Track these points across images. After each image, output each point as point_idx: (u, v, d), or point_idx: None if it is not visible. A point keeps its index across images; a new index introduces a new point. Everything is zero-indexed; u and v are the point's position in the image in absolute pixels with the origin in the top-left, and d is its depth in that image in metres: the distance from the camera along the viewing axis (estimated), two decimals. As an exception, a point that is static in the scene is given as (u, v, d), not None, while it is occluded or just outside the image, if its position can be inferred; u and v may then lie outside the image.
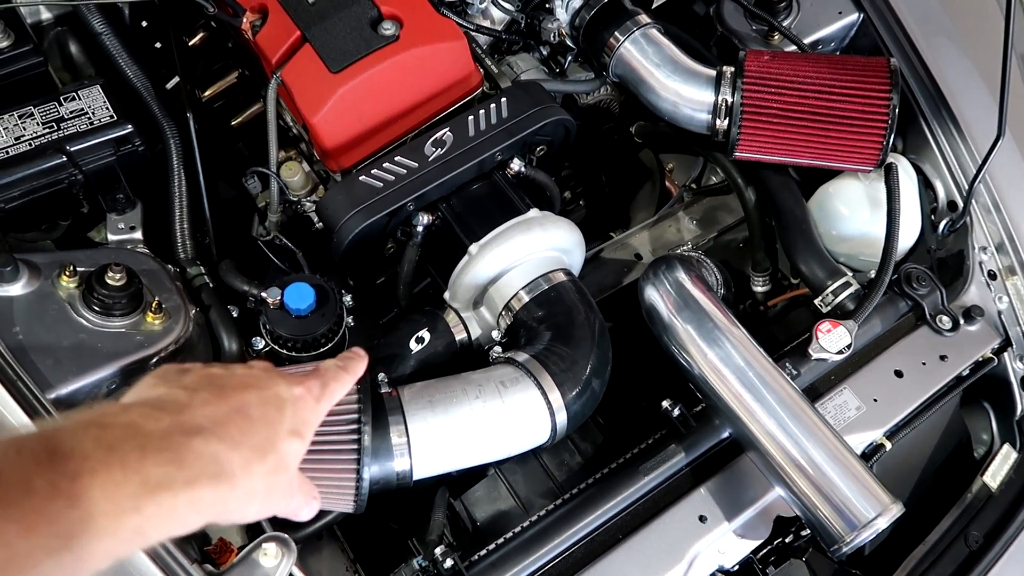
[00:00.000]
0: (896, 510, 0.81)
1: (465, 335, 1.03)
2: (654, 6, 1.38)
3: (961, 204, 1.14)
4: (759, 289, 1.26)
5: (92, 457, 0.48)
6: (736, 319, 0.97)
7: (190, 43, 1.18)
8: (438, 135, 1.02)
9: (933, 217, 1.19)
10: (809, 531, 0.91)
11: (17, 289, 0.85)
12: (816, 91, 1.02)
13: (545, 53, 1.28)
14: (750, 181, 1.22)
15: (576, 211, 1.45)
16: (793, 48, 1.22)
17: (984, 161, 1.08)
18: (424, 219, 1.03)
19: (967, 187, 1.11)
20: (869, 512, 0.80)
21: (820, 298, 1.07)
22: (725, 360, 0.91)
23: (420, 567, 0.87)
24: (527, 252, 1.00)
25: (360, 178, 1.00)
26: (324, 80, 0.99)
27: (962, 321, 1.07)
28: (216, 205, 1.10)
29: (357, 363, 0.76)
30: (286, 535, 0.81)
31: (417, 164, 1.01)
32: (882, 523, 0.80)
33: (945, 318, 1.07)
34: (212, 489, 0.53)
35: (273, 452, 0.59)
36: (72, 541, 0.46)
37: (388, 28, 1.01)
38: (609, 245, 1.30)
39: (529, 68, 1.20)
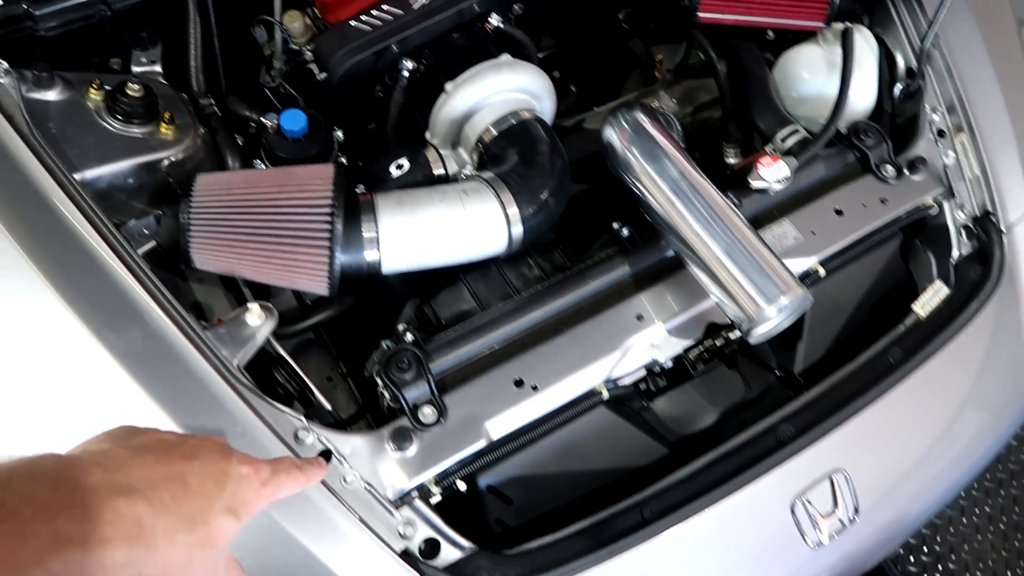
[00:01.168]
0: (803, 294, 0.91)
1: (443, 171, 1.15)
2: None
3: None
4: (731, 161, 1.35)
5: (5, 506, 0.49)
6: (686, 152, 1.06)
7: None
8: (423, -13, 1.15)
9: (897, 87, 1.26)
10: (737, 332, 1.01)
11: (52, 95, 1.00)
12: (769, -52, 1.11)
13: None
14: (722, 55, 1.31)
15: (568, 96, 1.55)
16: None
17: (933, 20, 1.15)
18: (408, 64, 1.15)
19: (918, 52, 1.19)
20: (775, 292, 0.90)
21: (771, 145, 1.16)
22: (668, 180, 1.01)
23: (387, 347, 0.99)
24: (498, 90, 1.11)
25: (351, 23, 1.13)
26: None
27: (906, 171, 1.15)
28: (230, 62, 1.23)
29: (314, 470, 0.74)
30: (271, 306, 0.95)
31: (403, 11, 1.13)
32: (785, 301, 0.89)
33: (889, 167, 1.15)
34: (126, 551, 0.53)
35: (203, 525, 0.58)
36: None
37: None
38: (591, 116, 1.41)
39: (516, -58, 1.31)
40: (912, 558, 1.55)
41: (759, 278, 0.91)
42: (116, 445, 0.59)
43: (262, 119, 1.09)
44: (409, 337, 0.97)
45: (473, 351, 0.99)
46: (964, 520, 1.65)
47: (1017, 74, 1.22)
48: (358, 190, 1.06)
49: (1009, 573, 1.60)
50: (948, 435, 1.07)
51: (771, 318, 0.91)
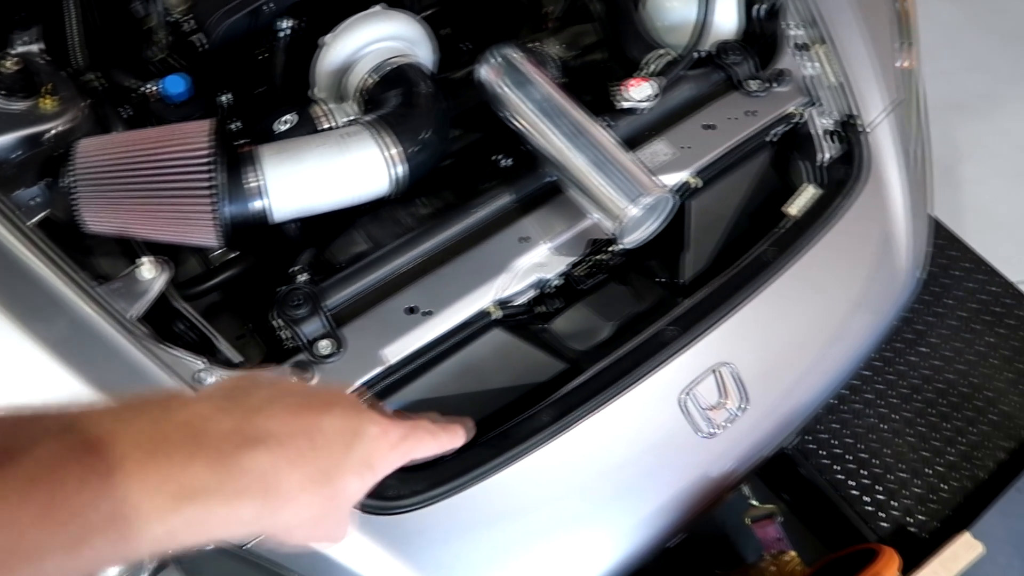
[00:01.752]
0: (663, 193, 0.96)
1: (331, 124, 1.19)
2: None
3: (776, -11, 1.28)
4: (618, 99, 1.41)
5: (131, 456, 0.45)
6: (555, 82, 1.11)
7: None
8: (293, -53, 1.18)
9: (761, 8, 1.32)
10: (615, 242, 1.06)
11: (-73, 77, 1.02)
12: None
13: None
14: (597, -4, 1.37)
15: (465, 53, 1.59)
16: None
17: (780, -60, 1.22)
18: (286, 23, 1.19)
19: (774, -31, 1.26)
20: (636, 192, 0.95)
21: (641, 70, 1.22)
22: (537, 106, 1.06)
23: (283, 292, 1.02)
24: (373, 39, 1.15)
25: (225, -13, 1.16)
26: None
27: (771, 84, 1.22)
28: (115, 39, 1.25)
29: (449, 438, 0.69)
30: (167, 259, 0.98)
31: (274, -29, 1.17)
32: (647, 200, 0.95)
33: (755, 82, 1.21)
34: (256, 506, 0.50)
35: (331, 484, 0.55)
36: (86, 542, 0.43)
37: None
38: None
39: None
40: (810, 438, 1.65)
41: (621, 183, 0.96)
42: (245, 393, 0.56)
43: (144, 87, 1.12)
44: (301, 277, 1.01)
45: (366, 285, 1.03)
46: (884, 426, 1.73)
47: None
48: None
49: (898, 440, 1.69)
50: (827, 321, 1.14)
51: (637, 219, 0.96)
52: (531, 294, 1.07)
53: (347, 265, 1.08)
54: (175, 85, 1.11)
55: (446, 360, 1.03)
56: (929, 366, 1.82)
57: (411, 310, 1.01)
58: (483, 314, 1.03)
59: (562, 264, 1.07)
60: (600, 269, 1.10)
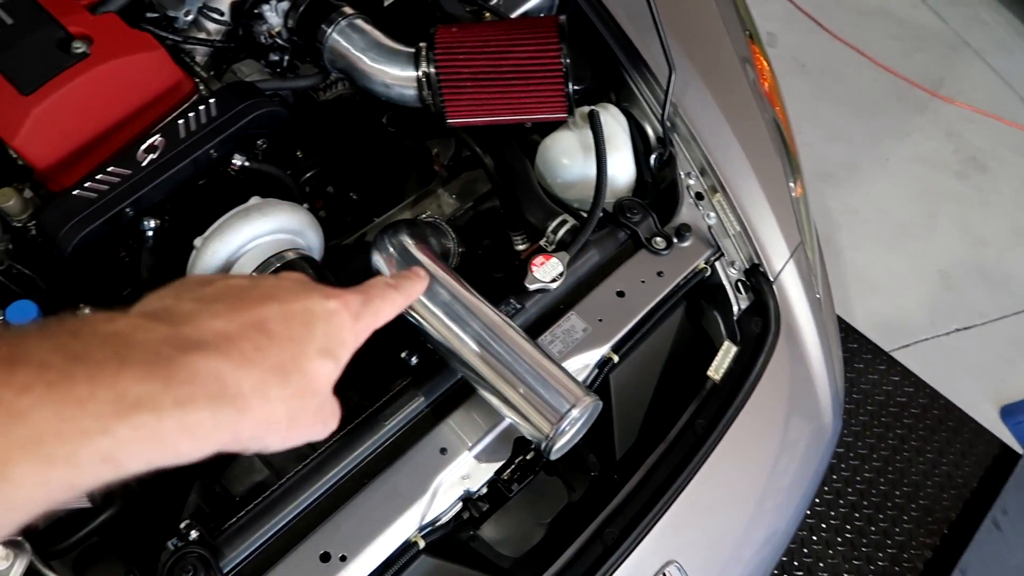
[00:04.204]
0: (590, 401, 0.89)
1: (212, 329, 1.07)
2: (386, 3, 1.46)
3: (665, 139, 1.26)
4: (520, 248, 1.34)
5: (52, 367, 0.40)
6: (455, 273, 1.03)
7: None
8: (150, 141, 1.06)
9: (652, 158, 1.31)
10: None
11: None
12: (498, 52, 1.12)
13: (277, 58, 1.33)
14: (488, 149, 1.31)
15: (350, 205, 1.50)
16: (498, 22, 1.32)
17: (665, 95, 1.20)
18: (152, 223, 1.06)
19: (661, 122, 1.24)
20: (565, 406, 0.88)
21: (544, 239, 1.17)
22: (440, 305, 0.98)
23: (174, 547, 0.88)
24: (252, 237, 1.04)
25: (74, 192, 1.02)
26: (18, 103, 1.01)
27: (675, 240, 1.19)
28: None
29: (412, 283, 0.66)
30: (20, 538, 0.83)
31: (131, 171, 1.04)
32: (576, 413, 0.87)
33: (659, 239, 1.18)
34: (212, 413, 0.45)
35: (297, 374, 0.51)
36: (10, 466, 0.38)
37: (79, 47, 1.04)
38: (371, 228, 1.36)
39: (252, 72, 1.26)
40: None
41: (547, 394, 0.89)
42: (176, 299, 0.51)
43: (-14, 317, 0.97)
44: (193, 534, 0.88)
45: (270, 530, 0.90)
46: (815, 538, 1.72)
47: (752, 131, 1.30)
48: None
49: (830, 551, 1.68)
50: (766, 491, 1.09)
51: (565, 432, 0.89)
52: (457, 508, 0.98)
53: (246, 498, 0.96)
54: (22, 313, 0.96)
55: (370, 605, 0.91)
56: (848, 466, 1.83)
57: (324, 557, 0.89)
58: (407, 545, 0.92)
59: (488, 472, 0.98)
60: (528, 470, 1.01)
